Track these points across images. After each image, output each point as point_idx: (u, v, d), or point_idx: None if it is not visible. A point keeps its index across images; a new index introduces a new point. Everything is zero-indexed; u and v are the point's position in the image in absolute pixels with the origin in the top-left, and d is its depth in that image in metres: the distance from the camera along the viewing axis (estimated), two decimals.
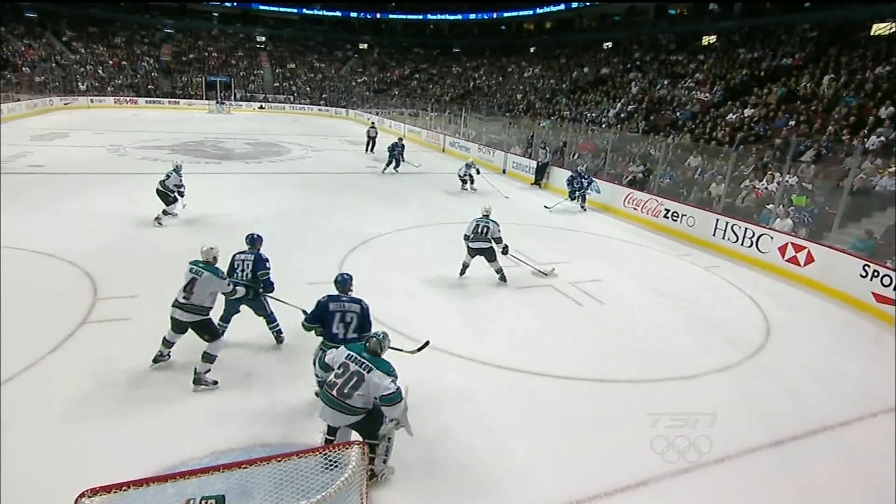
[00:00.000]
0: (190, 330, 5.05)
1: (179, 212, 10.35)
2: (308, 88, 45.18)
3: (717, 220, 10.81)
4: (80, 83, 37.15)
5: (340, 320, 4.52)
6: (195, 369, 5.00)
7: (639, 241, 11.31)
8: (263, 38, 49.11)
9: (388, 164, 17.36)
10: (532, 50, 39.48)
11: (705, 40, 26.00)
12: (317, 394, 4.65)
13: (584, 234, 11.36)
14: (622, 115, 21.89)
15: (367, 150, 21.71)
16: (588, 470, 4.31)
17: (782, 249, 9.45)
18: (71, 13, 42.21)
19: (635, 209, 12.96)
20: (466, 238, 7.93)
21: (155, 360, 5.25)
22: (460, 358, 5.91)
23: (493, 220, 7.86)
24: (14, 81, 31.84)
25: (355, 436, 3.80)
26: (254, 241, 5.84)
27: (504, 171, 18.51)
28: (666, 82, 22.93)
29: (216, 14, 48.62)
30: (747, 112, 16.97)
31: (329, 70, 48.11)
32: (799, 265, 9.14)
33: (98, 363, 5.31)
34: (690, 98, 20.52)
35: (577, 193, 13.51)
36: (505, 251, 7.89)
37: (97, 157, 17.12)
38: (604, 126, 21.10)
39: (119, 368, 5.24)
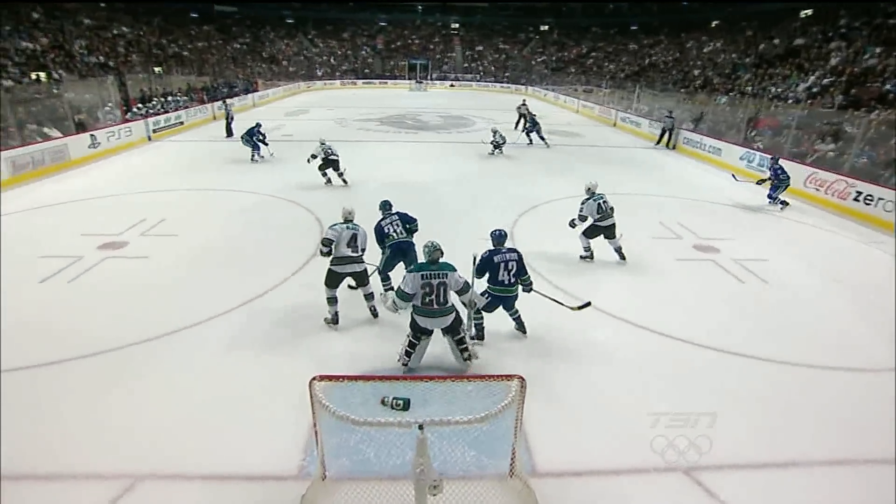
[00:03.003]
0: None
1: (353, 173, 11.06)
2: (493, 68, 45.29)
3: None
4: (318, 70, 42.03)
5: (504, 268, 4.73)
6: (372, 308, 5.38)
7: (819, 223, 9.47)
8: (457, 25, 50.07)
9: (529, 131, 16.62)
10: (714, 24, 34.28)
11: None
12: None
13: (755, 213, 9.88)
14: (814, 90, 18.16)
15: (515, 126, 18.85)
16: (728, 440, 3.88)
17: None
18: (316, 16, 47.54)
19: (818, 190, 10.81)
20: (583, 220, 6.77)
21: (335, 322, 5.26)
22: (612, 317, 5.66)
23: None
24: (276, 72, 37.21)
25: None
26: (388, 205, 5.72)
27: (674, 147, 16.74)
28: (878, 50, 18.33)
29: (420, 7, 50.59)
30: None
31: (512, 51, 47.51)
32: None
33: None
34: None
35: (776, 186, 10.02)
36: None
37: (327, 128, 19.35)
38: (790, 101, 17.76)
39: (341, 289, 5.68)
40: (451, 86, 42.30)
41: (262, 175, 11.55)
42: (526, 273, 4.90)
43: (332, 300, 5.23)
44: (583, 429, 3.99)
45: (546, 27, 48.99)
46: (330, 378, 2.86)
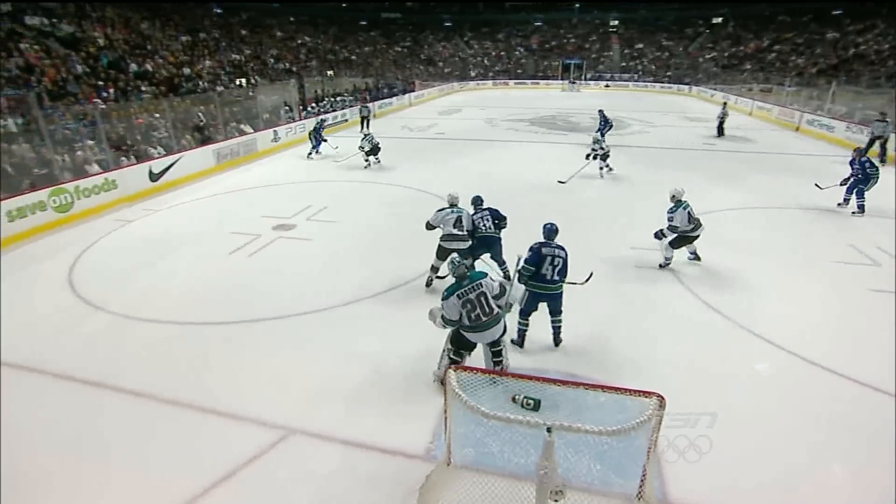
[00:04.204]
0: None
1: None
2: (653, 67, 42.27)
3: None
4: (471, 71, 43.39)
5: (550, 263, 4.69)
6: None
7: None
8: (616, 22, 47.73)
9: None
10: None
11: None
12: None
13: None
14: None
15: (719, 134, 17.78)
16: None
17: None
18: (472, 19, 49.20)
19: None
20: (673, 230, 6.52)
21: (428, 285, 6.23)
22: (777, 348, 4.97)
23: None
24: (432, 73, 39.39)
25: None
26: (480, 200, 6.26)
27: (883, 160, 13.18)
28: None
29: (577, 5, 49.29)
30: None
31: (677, 48, 43.82)
32: None
33: None
34: None
35: (863, 180, 9.08)
36: None
37: (477, 127, 19.98)
38: None
39: None
40: (606, 86, 40.49)
41: (407, 169, 12.36)
42: (566, 273, 4.81)
43: (435, 269, 6.15)
44: (731, 468, 3.57)
45: (719, 19, 44.18)
46: (465, 369, 2.99)
